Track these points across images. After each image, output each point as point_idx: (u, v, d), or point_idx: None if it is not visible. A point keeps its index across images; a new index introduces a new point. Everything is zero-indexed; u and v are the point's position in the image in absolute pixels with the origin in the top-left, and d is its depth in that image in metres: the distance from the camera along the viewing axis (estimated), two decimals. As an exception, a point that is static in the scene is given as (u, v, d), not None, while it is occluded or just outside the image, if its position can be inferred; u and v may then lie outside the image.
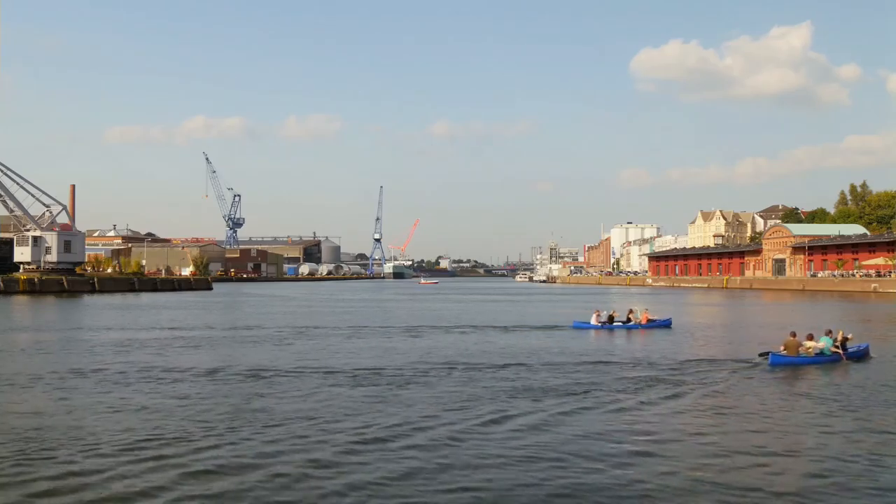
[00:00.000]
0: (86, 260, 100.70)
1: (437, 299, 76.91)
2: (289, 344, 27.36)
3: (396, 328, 34.77)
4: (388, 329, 34.38)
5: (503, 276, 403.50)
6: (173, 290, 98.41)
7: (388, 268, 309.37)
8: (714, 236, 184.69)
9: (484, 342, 27.88)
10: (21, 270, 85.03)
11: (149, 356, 22.89)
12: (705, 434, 12.35)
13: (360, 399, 15.41)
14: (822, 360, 20.78)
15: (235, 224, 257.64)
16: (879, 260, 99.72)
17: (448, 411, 13.96)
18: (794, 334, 21.41)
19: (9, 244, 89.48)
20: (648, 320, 34.52)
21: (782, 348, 20.91)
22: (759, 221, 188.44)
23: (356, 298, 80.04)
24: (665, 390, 16.57)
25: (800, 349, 20.73)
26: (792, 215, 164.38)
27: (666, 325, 34.70)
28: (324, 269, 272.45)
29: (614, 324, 33.80)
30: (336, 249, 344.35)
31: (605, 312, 34.91)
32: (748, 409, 14.45)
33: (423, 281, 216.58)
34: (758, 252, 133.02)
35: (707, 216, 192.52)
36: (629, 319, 34.38)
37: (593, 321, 34.07)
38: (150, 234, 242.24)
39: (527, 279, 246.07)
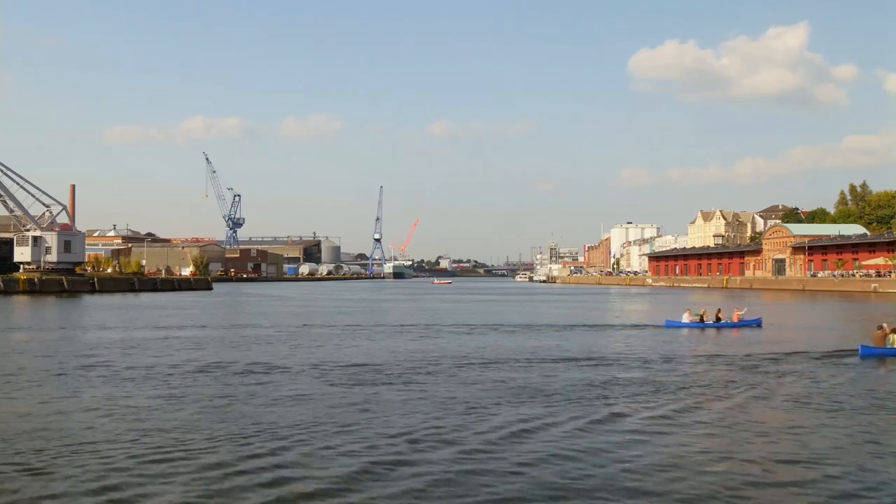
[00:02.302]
0: (86, 260, 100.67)
1: (476, 300, 74.50)
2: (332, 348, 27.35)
3: (476, 327, 35.29)
4: (498, 327, 35.03)
5: (503, 276, 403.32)
6: (173, 290, 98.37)
7: (388, 268, 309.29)
8: (714, 236, 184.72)
9: (590, 342, 28.28)
10: (21, 270, 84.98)
11: (147, 356, 22.85)
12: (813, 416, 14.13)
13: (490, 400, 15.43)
14: None
15: (235, 224, 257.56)
16: (879, 260, 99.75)
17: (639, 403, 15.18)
18: (881, 328, 23.36)
19: (9, 244, 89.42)
20: (739, 319, 35.30)
21: (871, 341, 23.10)
22: (759, 221, 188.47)
23: (381, 300, 79.77)
24: (779, 378, 18.71)
25: (886, 341, 22.76)
26: (792, 215, 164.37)
27: (756, 324, 35.43)
28: (324, 269, 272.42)
29: (706, 322, 34.65)
30: (336, 249, 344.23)
31: (696, 312, 35.75)
32: (849, 393, 16.45)
33: (436, 281, 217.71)
34: (758, 252, 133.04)
35: (707, 216, 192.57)
36: (719, 318, 35.14)
37: (685, 320, 34.88)
38: (150, 234, 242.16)
39: (527, 279, 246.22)
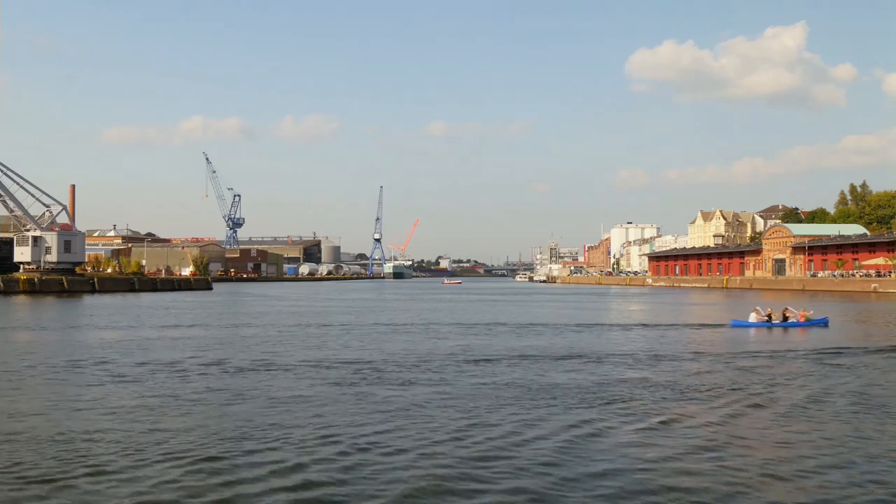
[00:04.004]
0: (86, 260, 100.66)
1: (499, 301, 73.85)
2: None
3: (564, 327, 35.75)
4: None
5: (503, 276, 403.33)
6: (173, 290, 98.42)
7: (388, 268, 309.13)
8: (714, 236, 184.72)
9: (669, 340, 29.19)
10: (21, 270, 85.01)
11: (146, 356, 22.85)
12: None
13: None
14: None
15: (235, 224, 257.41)
16: (879, 260, 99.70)
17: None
18: None
19: (9, 244, 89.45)
20: (806, 319, 35.69)
21: None
22: (759, 221, 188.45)
23: (396, 300, 79.56)
24: (858, 368, 20.61)
25: None
26: (792, 215, 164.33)
27: (823, 323, 35.82)
28: (324, 269, 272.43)
29: (772, 322, 35.02)
30: (336, 249, 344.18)
31: (762, 311, 36.18)
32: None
33: (446, 281, 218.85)
34: (758, 252, 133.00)
35: (707, 216, 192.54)
36: (786, 318, 35.48)
37: (753, 319, 35.24)
38: (150, 234, 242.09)
39: (527, 279, 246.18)
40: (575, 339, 29.65)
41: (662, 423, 13.20)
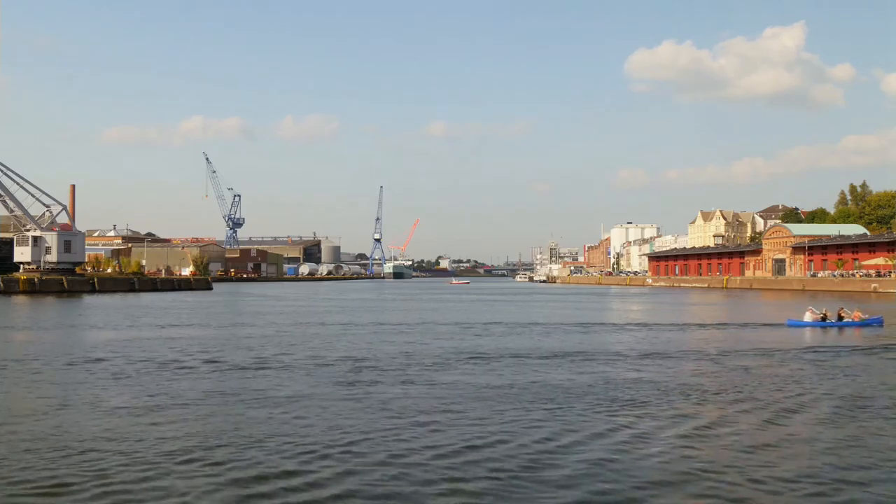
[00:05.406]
0: (86, 260, 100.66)
1: (511, 301, 74.55)
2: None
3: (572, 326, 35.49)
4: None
5: (503, 275, 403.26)
6: (173, 290, 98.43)
7: (388, 268, 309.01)
8: (714, 236, 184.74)
9: (737, 339, 29.85)
10: (21, 270, 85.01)
11: (146, 356, 22.84)
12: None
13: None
14: None
15: (235, 224, 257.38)
16: (879, 260, 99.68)
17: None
18: None
19: (9, 244, 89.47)
20: (861, 319, 35.90)
21: None
22: (759, 221, 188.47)
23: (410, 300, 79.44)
24: None
25: None
26: (792, 215, 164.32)
27: (878, 323, 35.96)
28: (324, 269, 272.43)
29: (827, 322, 35.31)
30: (336, 249, 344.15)
31: (818, 311, 36.45)
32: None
33: (454, 281, 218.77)
34: (758, 252, 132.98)
35: (707, 216, 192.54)
36: (841, 318, 35.76)
37: (808, 319, 35.55)
38: (150, 234, 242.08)
39: (527, 279, 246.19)
40: (633, 337, 30.00)
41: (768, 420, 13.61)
